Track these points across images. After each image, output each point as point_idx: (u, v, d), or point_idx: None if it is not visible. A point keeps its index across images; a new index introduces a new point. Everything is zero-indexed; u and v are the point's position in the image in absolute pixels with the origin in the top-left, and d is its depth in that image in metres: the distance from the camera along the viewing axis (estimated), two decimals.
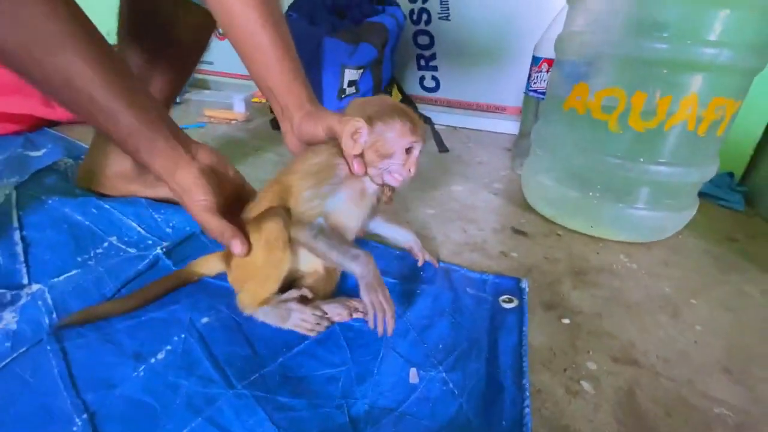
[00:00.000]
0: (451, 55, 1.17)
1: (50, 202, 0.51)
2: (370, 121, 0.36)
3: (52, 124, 0.99)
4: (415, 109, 1.21)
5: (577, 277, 0.51)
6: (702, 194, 0.75)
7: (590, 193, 0.58)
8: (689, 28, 0.45)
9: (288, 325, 0.37)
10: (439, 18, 1.12)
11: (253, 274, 0.37)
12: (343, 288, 0.45)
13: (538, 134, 0.65)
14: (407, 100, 1.20)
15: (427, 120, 1.18)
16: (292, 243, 0.37)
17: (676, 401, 0.35)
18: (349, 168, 0.38)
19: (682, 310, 0.46)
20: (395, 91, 1.14)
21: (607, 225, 0.58)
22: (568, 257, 0.56)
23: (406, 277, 0.47)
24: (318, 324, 0.38)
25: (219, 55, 1.35)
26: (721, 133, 0.52)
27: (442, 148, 0.99)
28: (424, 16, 1.14)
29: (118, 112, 0.34)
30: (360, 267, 0.35)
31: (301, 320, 0.37)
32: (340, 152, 0.38)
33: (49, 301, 0.40)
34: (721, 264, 0.56)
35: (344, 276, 0.45)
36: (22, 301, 0.40)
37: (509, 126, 1.14)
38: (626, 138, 0.52)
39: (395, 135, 0.37)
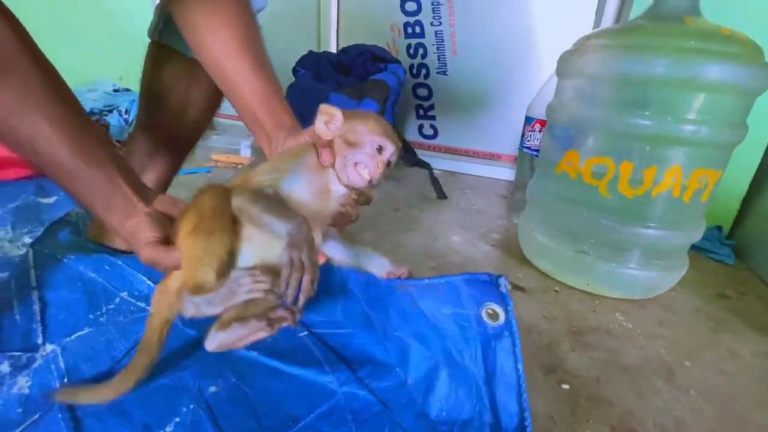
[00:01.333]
0: (448, 105, 1.23)
1: (66, 261, 0.53)
2: (346, 115, 0.37)
3: None
4: (415, 155, 1.26)
5: (575, 337, 0.53)
6: (693, 247, 0.77)
7: (584, 252, 0.60)
8: (669, 107, 0.50)
9: (241, 296, 0.33)
10: (437, 73, 1.19)
11: (189, 257, 0.33)
12: None
13: (532, 193, 0.69)
14: (407, 146, 1.25)
15: (426, 165, 1.23)
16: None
17: None
18: (318, 157, 0.37)
19: (677, 373, 0.48)
20: None
21: (602, 283, 0.60)
22: (566, 316, 0.57)
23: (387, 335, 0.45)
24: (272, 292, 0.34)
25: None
26: (705, 199, 0.55)
27: (441, 195, 1.02)
28: (423, 71, 1.21)
29: (79, 173, 0.35)
30: (290, 225, 0.32)
31: (254, 282, 0.34)
32: (313, 147, 0.38)
33: (62, 364, 0.41)
34: (713, 322, 0.58)
35: None
36: (36, 363, 0.41)
37: (504, 173, 1.18)
38: (616, 202, 0.55)
39: (367, 129, 0.36)
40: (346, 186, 0.37)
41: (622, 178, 0.54)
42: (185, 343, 0.45)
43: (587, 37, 0.57)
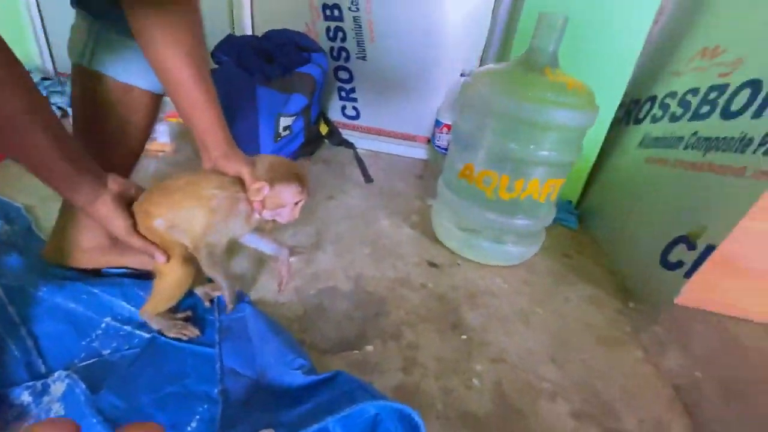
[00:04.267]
0: (368, 89, 1.32)
1: (40, 294, 0.57)
2: (271, 182, 0.53)
3: None
4: (340, 135, 1.36)
5: (472, 300, 0.75)
6: None
7: (477, 236, 0.82)
8: (532, 139, 0.69)
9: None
10: (357, 58, 1.26)
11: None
12: None
13: (441, 189, 0.87)
14: (333, 128, 1.34)
15: (351, 145, 1.34)
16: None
17: (523, 383, 0.60)
18: (251, 208, 0.54)
19: (531, 318, 0.73)
20: (323, 124, 1.27)
21: (489, 256, 0.83)
22: (465, 283, 0.79)
23: None
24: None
25: None
26: (553, 199, 0.79)
27: (368, 179, 1.16)
28: (344, 54, 1.27)
29: (54, 163, 0.43)
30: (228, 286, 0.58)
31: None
32: (243, 188, 0.54)
33: (83, 384, 0.48)
34: (558, 278, 0.85)
35: None
36: (56, 389, 0.48)
37: (420, 152, 1.35)
38: (498, 203, 0.76)
39: (289, 194, 0.54)
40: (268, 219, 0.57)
41: (502, 186, 0.74)
42: (182, 356, 0.55)
43: (478, 75, 0.73)
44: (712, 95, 0.77)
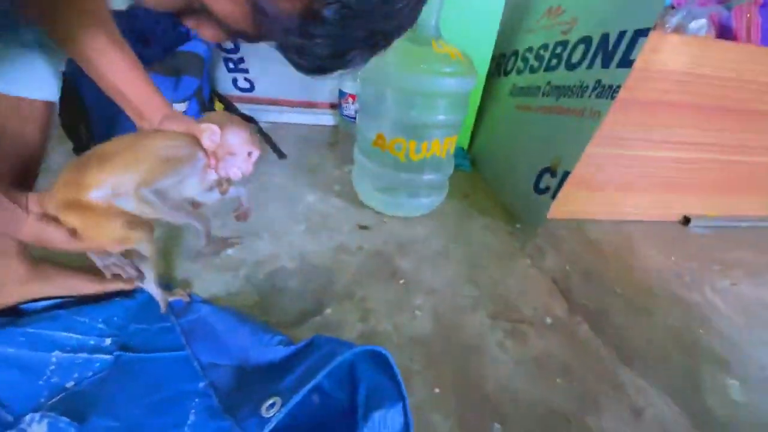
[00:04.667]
0: (258, 58, 1.27)
1: None
2: (223, 127, 0.52)
3: None
4: (237, 110, 1.31)
5: (402, 250, 0.88)
6: None
7: (395, 194, 0.94)
8: (428, 107, 0.80)
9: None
10: None
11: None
12: None
13: (357, 157, 0.95)
14: (229, 104, 1.28)
15: (252, 120, 1.31)
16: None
17: (452, 304, 0.77)
18: (207, 161, 0.52)
19: (449, 253, 0.90)
20: (217, 102, 1.20)
21: (408, 210, 0.97)
22: (393, 237, 0.92)
23: None
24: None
25: None
26: (452, 152, 0.93)
27: (281, 155, 1.17)
28: None
29: None
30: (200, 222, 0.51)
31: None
32: (196, 141, 0.52)
33: (65, 417, 0.49)
34: (462, 215, 1.03)
35: None
36: (39, 430, 0.48)
37: (327, 119, 1.38)
38: (409, 164, 0.88)
39: (239, 139, 0.52)
40: (222, 177, 0.54)
41: (411, 150, 0.85)
42: (152, 366, 0.57)
43: None
44: (558, 50, 0.96)
